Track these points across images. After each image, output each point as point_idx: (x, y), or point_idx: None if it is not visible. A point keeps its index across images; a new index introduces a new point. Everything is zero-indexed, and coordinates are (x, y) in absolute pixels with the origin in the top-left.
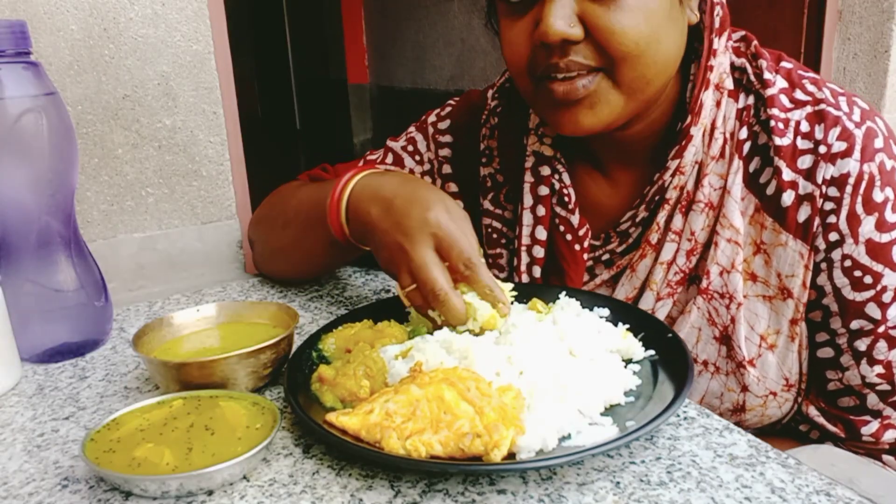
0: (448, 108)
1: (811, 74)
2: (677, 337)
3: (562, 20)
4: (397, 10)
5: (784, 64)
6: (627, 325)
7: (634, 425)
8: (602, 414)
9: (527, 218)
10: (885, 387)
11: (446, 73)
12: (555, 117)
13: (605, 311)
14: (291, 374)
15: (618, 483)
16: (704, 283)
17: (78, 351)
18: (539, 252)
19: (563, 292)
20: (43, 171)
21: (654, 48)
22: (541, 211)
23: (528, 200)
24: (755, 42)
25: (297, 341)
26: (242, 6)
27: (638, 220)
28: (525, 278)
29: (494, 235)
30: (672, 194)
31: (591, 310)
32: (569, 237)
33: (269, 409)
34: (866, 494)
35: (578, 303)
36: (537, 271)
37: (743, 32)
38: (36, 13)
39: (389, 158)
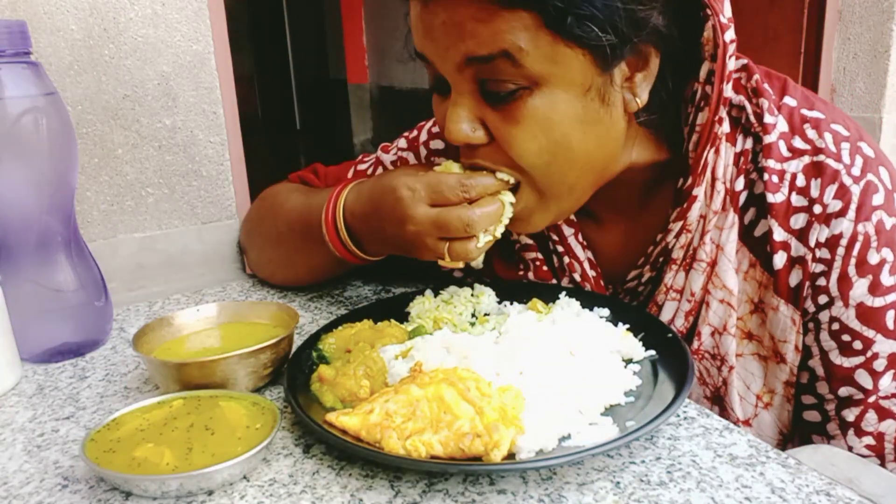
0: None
1: (815, 114)
2: (677, 337)
3: (465, 124)
4: (397, 10)
5: (787, 100)
6: (627, 325)
7: (634, 425)
8: (602, 414)
9: (577, 247)
10: (875, 460)
11: None
12: None
13: (605, 311)
14: (291, 374)
15: (618, 483)
16: (696, 344)
17: (78, 351)
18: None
19: (563, 292)
20: (43, 171)
21: (563, 157)
22: (580, 238)
23: (567, 229)
24: (757, 76)
25: (297, 341)
26: (242, 6)
27: (644, 279)
28: None
29: (544, 268)
30: (678, 253)
31: (591, 310)
32: (593, 274)
33: (269, 409)
34: (866, 494)
35: (578, 303)
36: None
37: (745, 61)
38: (36, 13)
39: (379, 172)
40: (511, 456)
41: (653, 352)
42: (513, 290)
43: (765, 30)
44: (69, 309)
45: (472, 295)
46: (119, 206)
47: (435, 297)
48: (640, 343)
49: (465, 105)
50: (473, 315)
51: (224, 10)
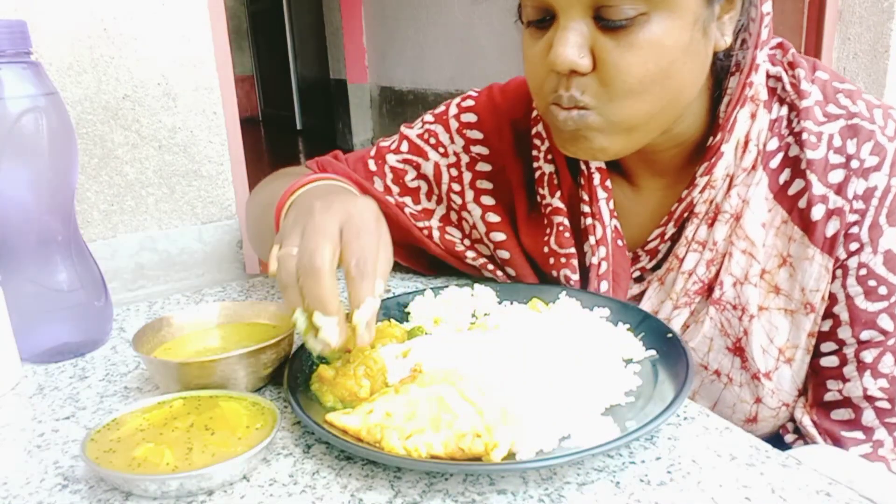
0: (470, 102)
1: (846, 86)
2: (677, 337)
3: (574, 48)
4: (397, 10)
5: (819, 74)
6: (627, 325)
7: (634, 425)
8: (602, 414)
9: (605, 212)
10: (885, 404)
11: (446, 73)
12: (557, 139)
13: (605, 311)
14: (291, 374)
15: (618, 483)
16: (717, 294)
17: (78, 351)
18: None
19: (563, 292)
20: (43, 171)
21: (660, 85)
22: (611, 205)
23: (601, 193)
24: (792, 50)
25: (297, 341)
26: (242, 6)
27: (667, 237)
28: (604, 285)
29: (566, 234)
30: (701, 208)
31: (591, 310)
32: (619, 242)
33: (269, 409)
34: (866, 494)
35: (578, 303)
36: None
37: (779, 39)
38: (36, 13)
39: (405, 146)
40: (511, 456)
41: (653, 352)
42: (513, 290)
43: None
44: (69, 309)
45: (471, 295)
46: (119, 206)
47: (435, 297)
48: (640, 343)
49: (575, 29)
50: (473, 315)
51: (224, 9)
